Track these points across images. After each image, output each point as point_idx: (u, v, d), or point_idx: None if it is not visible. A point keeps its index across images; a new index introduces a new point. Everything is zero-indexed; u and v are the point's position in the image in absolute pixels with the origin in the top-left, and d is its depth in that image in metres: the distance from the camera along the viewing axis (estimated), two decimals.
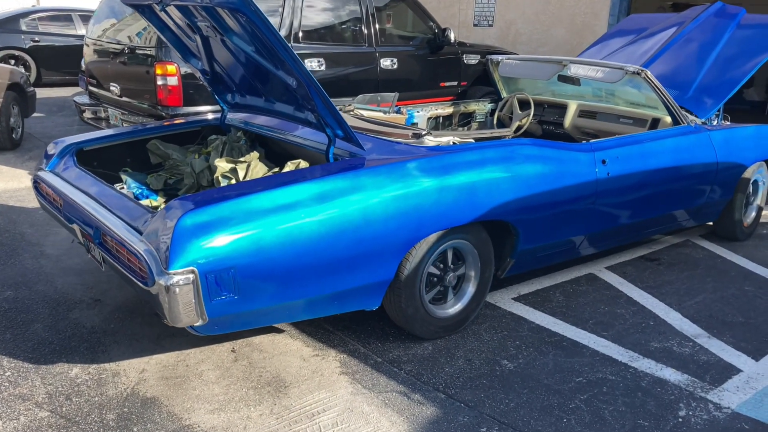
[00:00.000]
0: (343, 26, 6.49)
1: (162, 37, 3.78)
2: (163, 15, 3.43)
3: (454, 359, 3.12)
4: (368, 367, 3.03)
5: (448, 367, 3.05)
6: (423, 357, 3.13)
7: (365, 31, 6.54)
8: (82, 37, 12.25)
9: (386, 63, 6.69)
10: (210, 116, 4.52)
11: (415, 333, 3.23)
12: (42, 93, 11.20)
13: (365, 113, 4.37)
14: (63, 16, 12.44)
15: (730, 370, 3.12)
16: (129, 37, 5.79)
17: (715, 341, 3.40)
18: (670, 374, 3.06)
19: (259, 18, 2.58)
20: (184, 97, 5.28)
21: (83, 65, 7.90)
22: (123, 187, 3.46)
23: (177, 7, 3.14)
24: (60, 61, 12.17)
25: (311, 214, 2.66)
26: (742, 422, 2.70)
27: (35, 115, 9.23)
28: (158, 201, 3.43)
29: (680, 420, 2.70)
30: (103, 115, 6.30)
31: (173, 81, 5.19)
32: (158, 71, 5.19)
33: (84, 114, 6.51)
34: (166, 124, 4.07)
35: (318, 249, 2.68)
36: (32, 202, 5.36)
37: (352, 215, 2.75)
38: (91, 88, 6.59)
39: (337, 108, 2.98)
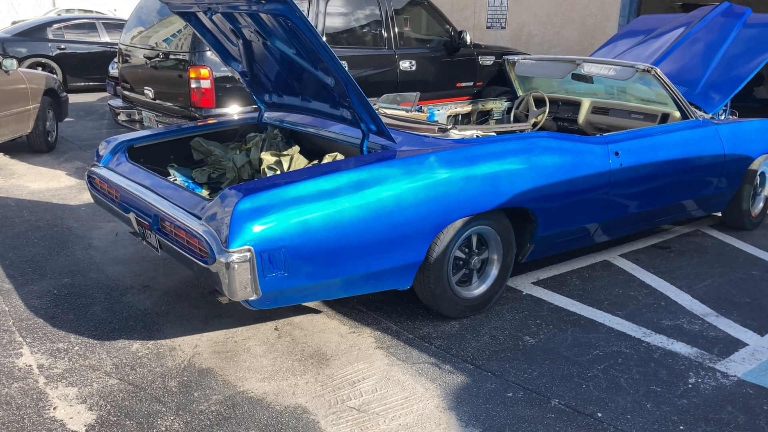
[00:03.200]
0: (364, 30, 6.78)
1: (204, 41, 4.06)
2: (207, 21, 3.72)
3: (480, 335, 3.38)
4: (401, 342, 3.29)
5: (474, 342, 3.31)
6: (451, 333, 3.40)
7: (385, 35, 6.83)
8: (106, 44, 12.64)
9: (405, 65, 6.97)
10: (240, 116, 4.81)
11: (443, 312, 3.50)
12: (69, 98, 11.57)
13: (389, 111, 4.64)
14: (87, 24, 12.83)
15: (737, 344, 3.36)
16: (161, 42, 6.11)
17: (722, 319, 3.64)
18: (681, 348, 3.30)
19: (303, 23, 2.87)
20: (216, 99, 5.58)
21: (111, 71, 8.23)
22: (176, 179, 3.75)
23: (222, 13, 3.43)
24: (84, 68, 12.55)
25: (350, 201, 2.93)
26: (747, 388, 2.95)
27: (65, 119, 9.58)
28: (204, 193, 3.71)
29: (690, 386, 2.95)
30: (137, 117, 6.62)
31: (206, 84, 5.49)
32: (192, 75, 5.49)
33: (118, 117, 6.84)
34: (209, 122, 4.37)
35: (356, 232, 2.95)
36: (74, 199, 5.68)
37: (387, 201, 3.02)
38: (124, 92, 6.91)
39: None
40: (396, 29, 6.91)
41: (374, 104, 4.81)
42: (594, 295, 3.92)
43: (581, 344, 3.31)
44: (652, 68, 4.51)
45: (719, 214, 5.32)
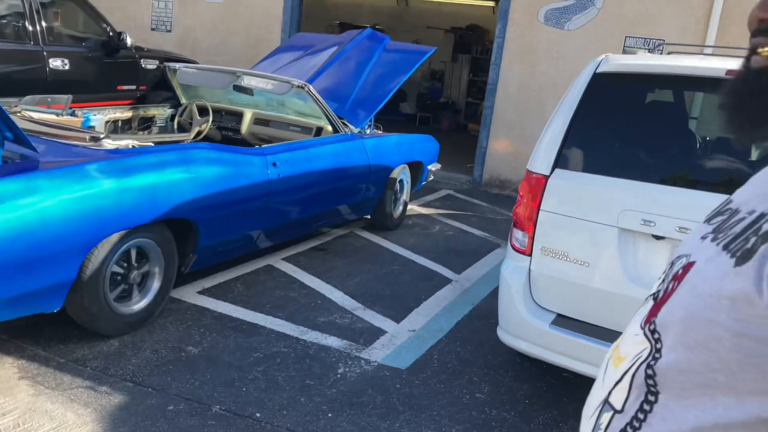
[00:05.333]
0: (3, 21, 6.03)
1: None
2: None
3: (141, 351, 3.29)
4: (50, 368, 3.04)
5: (135, 358, 3.21)
6: (109, 353, 3.24)
7: (29, 28, 6.16)
8: None
9: (56, 63, 6.39)
10: None
11: (101, 331, 3.32)
12: None
13: (35, 115, 4.22)
14: None
15: (379, 333, 3.83)
16: None
17: (368, 311, 4.11)
18: (333, 341, 3.64)
19: None
20: None
21: None
22: None
23: None
24: None
25: None
26: (384, 371, 3.38)
27: None
28: None
29: (339, 376, 3.28)
30: None
31: None
32: None
33: None
34: None
35: None
36: None
37: (27, 218, 2.76)
38: None
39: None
40: (44, 23, 6.28)
41: (16, 105, 4.33)
42: (257, 299, 4.10)
43: (243, 348, 3.44)
44: (305, 85, 4.87)
45: (369, 217, 5.97)
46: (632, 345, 0.89)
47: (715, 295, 0.77)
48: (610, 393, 0.90)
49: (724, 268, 0.77)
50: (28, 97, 4.61)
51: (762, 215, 0.78)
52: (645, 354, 0.85)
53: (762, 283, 0.72)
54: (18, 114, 4.11)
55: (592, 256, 2.88)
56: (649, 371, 0.83)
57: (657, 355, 0.83)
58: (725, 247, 0.79)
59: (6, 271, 2.71)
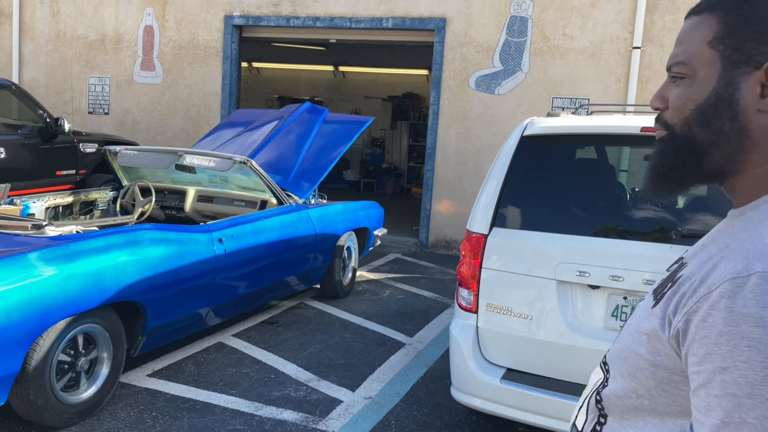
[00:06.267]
0: None
1: None
2: None
3: None
4: None
5: None
6: None
7: None
8: None
9: None
10: None
11: (47, 424, 3.22)
12: None
13: None
14: None
15: (335, 403, 3.82)
16: None
17: (323, 382, 4.11)
18: (289, 415, 3.62)
19: None
20: None
21: None
22: None
23: None
24: None
25: None
26: None
27: None
28: None
29: None
30: None
31: None
32: None
33: None
34: None
35: None
36: None
37: None
38: None
39: None
40: None
41: None
42: (209, 378, 4.05)
43: (198, 429, 3.38)
44: (248, 160, 4.96)
45: (318, 286, 6.00)
46: (594, 375, 1.07)
47: (638, 331, 0.92)
48: (576, 416, 1.08)
49: (646, 309, 0.93)
50: None
51: (681, 262, 0.94)
52: (599, 382, 1.03)
53: (665, 322, 0.87)
54: None
55: (534, 310, 2.99)
56: (598, 397, 1.01)
57: (605, 384, 1.00)
58: (653, 291, 0.95)
59: None
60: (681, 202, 3.26)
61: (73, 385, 3.37)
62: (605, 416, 0.99)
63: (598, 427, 1.00)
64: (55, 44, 10.24)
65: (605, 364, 1.02)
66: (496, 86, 8.20)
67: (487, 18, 8.16)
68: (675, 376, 0.86)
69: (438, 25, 8.35)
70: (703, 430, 0.77)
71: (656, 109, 0.98)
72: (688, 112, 0.91)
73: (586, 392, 1.09)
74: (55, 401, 3.19)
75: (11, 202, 4.79)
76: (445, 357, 4.58)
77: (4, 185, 4.72)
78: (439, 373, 4.34)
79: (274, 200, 5.30)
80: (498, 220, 3.15)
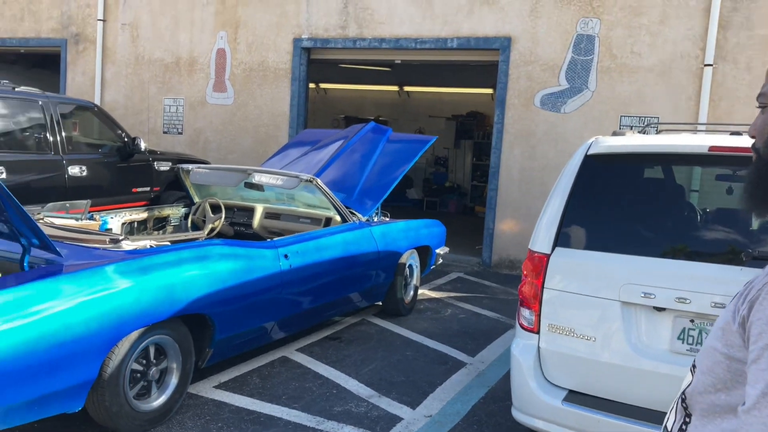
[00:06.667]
0: (26, 134, 6.37)
1: None
2: None
3: None
4: None
5: None
6: None
7: (50, 139, 6.50)
8: None
9: (74, 170, 6.68)
10: None
11: (121, 429, 3.36)
12: None
13: (57, 221, 4.42)
14: None
15: (395, 420, 3.84)
16: None
17: (384, 399, 4.13)
18: (350, 431, 3.66)
19: None
20: None
21: None
22: None
23: None
24: None
25: (9, 322, 2.73)
26: None
27: None
28: None
29: None
30: None
31: None
32: None
33: None
34: None
35: (16, 357, 2.74)
36: None
37: (52, 320, 2.88)
38: None
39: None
40: (63, 134, 6.63)
41: (38, 213, 4.54)
42: (273, 391, 4.14)
43: None
44: (313, 179, 5.08)
45: (380, 303, 6.04)
46: (684, 379, 1.15)
47: (716, 327, 1.03)
48: (667, 418, 1.16)
49: (724, 311, 1.04)
50: (49, 204, 4.83)
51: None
52: (686, 383, 1.11)
53: (735, 313, 0.97)
54: (41, 221, 4.31)
55: (598, 331, 2.94)
56: (683, 396, 1.09)
57: (690, 383, 1.08)
58: (732, 298, 1.06)
59: (29, 374, 2.80)
60: (755, 223, 3.16)
61: (145, 393, 3.51)
62: (690, 415, 1.06)
63: (684, 427, 1.07)
64: (134, 67, 10.76)
65: (694, 366, 1.10)
66: (562, 104, 8.12)
67: (553, 37, 8.11)
68: (746, 368, 0.93)
69: (503, 45, 8.36)
70: (749, 401, 0.86)
71: (751, 136, 1.09)
72: None
73: (675, 395, 1.16)
74: (128, 408, 3.33)
75: (91, 218, 5.05)
76: (507, 378, 4.54)
77: (85, 201, 4.99)
78: (500, 394, 4.30)
79: (338, 218, 5.39)
80: (561, 239, 3.13)
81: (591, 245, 3.10)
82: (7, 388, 2.73)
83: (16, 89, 6.42)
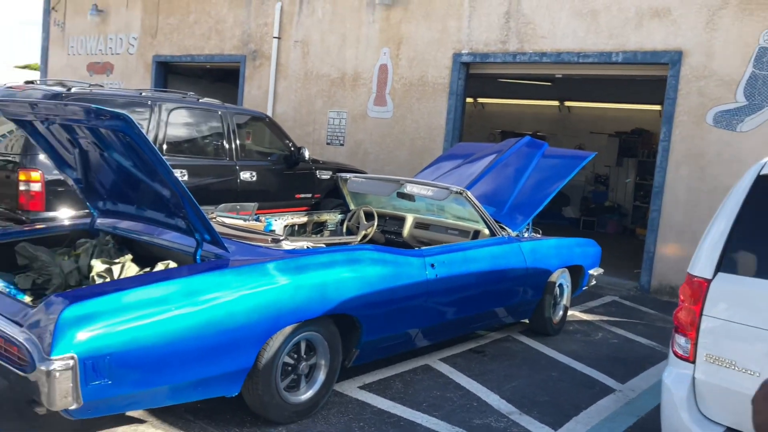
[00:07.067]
0: (206, 141, 7.01)
1: (39, 148, 4.07)
2: (43, 129, 3.76)
3: None
4: None
5: None
6: None
7: (227, 146, 7.09)
8: None
9: (246, 175, 7.24)
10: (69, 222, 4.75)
11: (271, 418, 3.59)
12: None
13: (227, 220, 4.82)
14: None
15: None
16: None
17: (525, 417, 4.06)
18: None
19: (141, 139, 3.04)
20: (46, 202, 5.45)
21: None
22: None
23: (60, 124, 3.52)
24: None
25: (180, 308, 3.03)
26: None
27: None
28: (26, 299, 3.61)
29: None
30: None
31: (36, 187, 5.37)
32: (22, 177, 5.35)
33: None
34: (37, 227, 4.28)
35: (185, 339, 3.04)
36: None
37: (217, 309, 3.16)
38: None
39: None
40: (238, 142, 7.21)
41: (212, 212, 4.97)
42: (414, 397, 4.21)
43: None
44: (463, 191, 5.11)
45: (527, 321, 5.93)
46: None
47: None
48: None
49: None
50: (221, 205, 5.27)
51: None
52: None
53: None
54: (213, 219, 4.72)
55: (764, 366, 2.70)
56: None
57: None
58: None
59: (196, 357, 3.09)
60: None
61: (294, 386, 3.72)
62: None
63: None
64: (303, 82, 11.45)
65: None
66: (738, 122, 7.51)
67: (731, 50, 7.55)
68: None
69: (673, 59, 7.91)
70: None
71: None
72: None
73: None
74: (279, 399, 3.56)
75: (257, 219, 5.45)
76: (659, 409, 4.27)
77: (252, 204, 5.39)
78: (650, 425, 4.06)
79: (486, 231, 5.38)
80: (725, 264, 2.92)
81: (762, 273, 2.86)
82: (177, 367, 3.02)
83: (200, 100, 7.09)
